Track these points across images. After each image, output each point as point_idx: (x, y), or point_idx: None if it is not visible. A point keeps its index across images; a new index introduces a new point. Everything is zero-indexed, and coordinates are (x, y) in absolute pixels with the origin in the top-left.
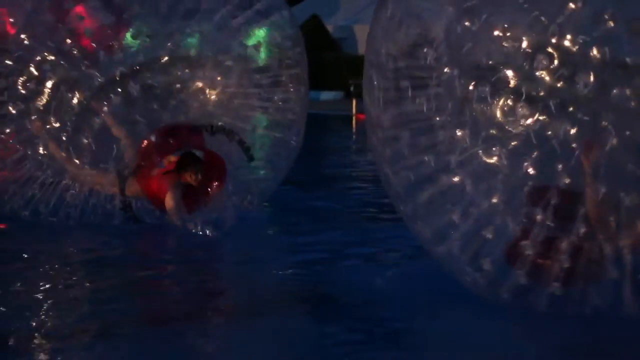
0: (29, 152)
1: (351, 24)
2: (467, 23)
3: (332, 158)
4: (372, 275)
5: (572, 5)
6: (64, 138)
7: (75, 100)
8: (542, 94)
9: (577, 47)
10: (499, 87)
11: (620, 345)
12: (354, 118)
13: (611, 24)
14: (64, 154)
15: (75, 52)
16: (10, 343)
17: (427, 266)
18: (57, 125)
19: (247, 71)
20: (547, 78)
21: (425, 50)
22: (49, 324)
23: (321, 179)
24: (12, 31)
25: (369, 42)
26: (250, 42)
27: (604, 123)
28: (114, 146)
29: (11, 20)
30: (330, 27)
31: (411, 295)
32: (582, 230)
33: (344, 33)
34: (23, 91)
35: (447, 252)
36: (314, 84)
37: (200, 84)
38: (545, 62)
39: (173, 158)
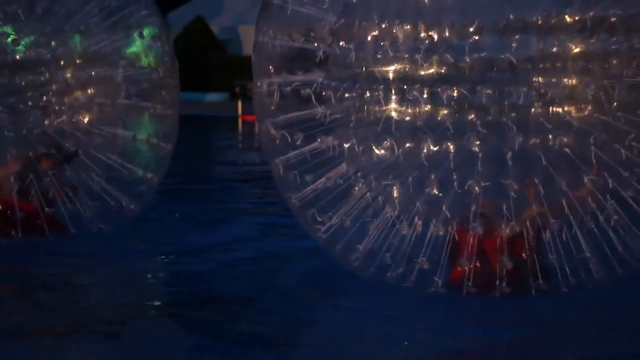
0: None
1: (235, 24)
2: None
3: (218, 158)
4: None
5: None
6: None
7: None
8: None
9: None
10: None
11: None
12: (239, 119)
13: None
14: None
15: None
16: None
17: (315, 262)
18: None
19: (123, 75)
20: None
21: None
22: None
23: (207, 179)
24: None
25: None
26: (131, 48)
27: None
28: None
29: None
30: (214, 29)
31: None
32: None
33: (229, 34)
34: None
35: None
36: (199, 85)
37: (70, 86)
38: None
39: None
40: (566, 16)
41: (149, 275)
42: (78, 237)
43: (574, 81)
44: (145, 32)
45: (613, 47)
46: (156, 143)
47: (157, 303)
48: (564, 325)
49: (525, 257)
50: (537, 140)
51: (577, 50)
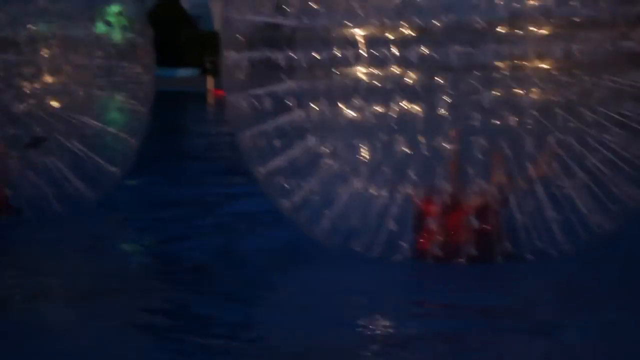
0: None
1: (207, 1)
2: None
3: (189, 133)
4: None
5: None
6: None
7: None
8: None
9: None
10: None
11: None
12: (209, 94)
13: None
14: None
15: None
16: None
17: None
18: None
19: (96, 52)
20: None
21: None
22: None
23: (176, 155)
24: None
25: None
26: (102, 23)
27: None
28: None
29: None
30: (185, 4)
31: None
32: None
33: (200, 10)
34: None
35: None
36: (170, 61)
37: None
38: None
39: None
40: None
41: (105, 242)
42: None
43: (541, 42)
44: (112, 19)
45: (581, 11)
46: (124, 137)
47: (116, 272)
48: (529, 291)
49: (490, 223)
50: (505, 100)
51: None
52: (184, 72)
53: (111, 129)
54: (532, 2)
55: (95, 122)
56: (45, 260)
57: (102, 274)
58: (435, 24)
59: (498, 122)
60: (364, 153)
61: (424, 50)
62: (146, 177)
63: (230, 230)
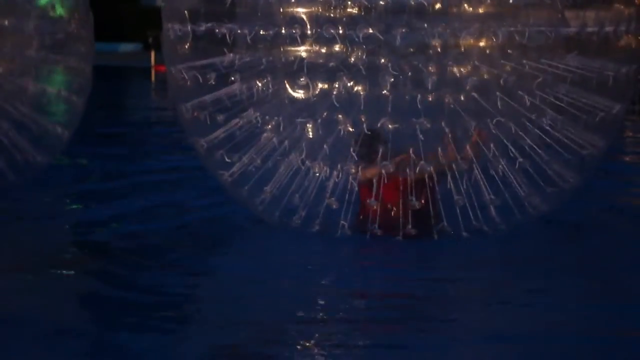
0: None
1: None
2: None
3: (131, 110)
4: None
5: None
6: None
7: None
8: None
9: None
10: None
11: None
12: (152, 70)
13: None
14: None
15: None
16: None
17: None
18: None
19: (35, 26)
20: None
21: None
22: None
23: (120, 133)
24: None
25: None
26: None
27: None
28: None
29: None
30: None
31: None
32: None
33: None
34: None
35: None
36: (112, 36)
37: None
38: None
39: None
40: None
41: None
42: None
43: (484, 25)
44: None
45: None
46: (68, 96)
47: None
48: (465, 269)
49: (427, 200)
50: (448, 81)
51: None
52: (126, 47)
53: (52, 89)
54: None
55: (36, 85)
56: None
57: (46, 246)
58: (378, 4)
59: (439, 101)
60: (306, 129)
61: (369, 29)
62: (89, 152)
63: (176, 205)
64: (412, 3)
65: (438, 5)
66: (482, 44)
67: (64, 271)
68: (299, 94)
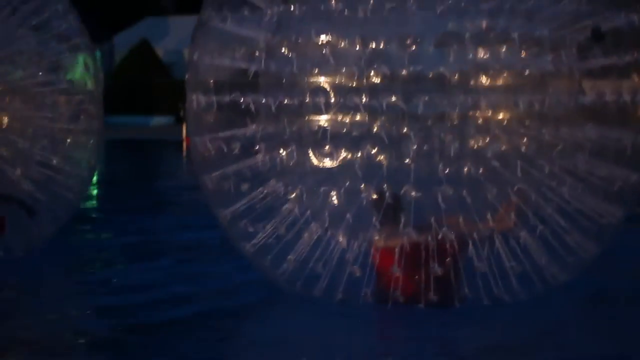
0: None
1: (181, 48)
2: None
3: (162, 183)
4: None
5: None
6: None
7: None
8: None
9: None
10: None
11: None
12: (184, 142)
13: None
14: None
15: None
16: None
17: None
18: None
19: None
20: None
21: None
22: None
23: (153, 205)
24: None
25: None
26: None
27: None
28: None
29: None
30: (160, 52)
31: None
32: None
33: (174, 57)
34: None
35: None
36: (144, 109)
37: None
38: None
39: None
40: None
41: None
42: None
43: (502, 95)
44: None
45: (541, 63)
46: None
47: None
48: (484, 339)
49: (449, 268)
50: (469, 151)
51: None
52: (158, 121)
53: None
54: (494, 55)
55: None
56: None
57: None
58: (402, 74)
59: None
60: (329, 198)
61: (392, 99)
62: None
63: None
64: (433, 73)
65: (458, 76)
66: (502, 114)
67: None
68: (323, 163)
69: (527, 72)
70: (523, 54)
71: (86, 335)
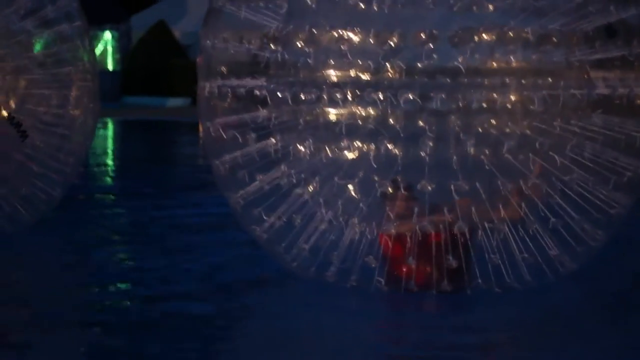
0: None
1: (198, 30)
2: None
3: (179, 165)
4: None
5: None
6: None
7: None
8: None
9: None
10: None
11: None
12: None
13: None
14: None
15: None
16: None
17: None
18: None
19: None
20: None
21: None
22: None
23: (169, 188)
24: None
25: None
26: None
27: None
28: None
29: None
30: (177, 33)
31: None
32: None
33: (191, 39)
34: None
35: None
36: (161, 90)
37: None
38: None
39: None
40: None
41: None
42: None
43: (516, 90)
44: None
45: (554, 60)
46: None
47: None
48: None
49: (461, 257)
50: (483, 145)
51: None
52: (174, 102)
53: None
54: (507, 48)
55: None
56: None
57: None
58: (418, 68)
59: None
60: (344, 189)
61: (407, 93)
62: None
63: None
64: (450, 66)
65: (474, 69)
66: (515, 105)
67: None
68: (338, 154)
69: (540, 66)
70: (536, 49)
71: (82, 325)
